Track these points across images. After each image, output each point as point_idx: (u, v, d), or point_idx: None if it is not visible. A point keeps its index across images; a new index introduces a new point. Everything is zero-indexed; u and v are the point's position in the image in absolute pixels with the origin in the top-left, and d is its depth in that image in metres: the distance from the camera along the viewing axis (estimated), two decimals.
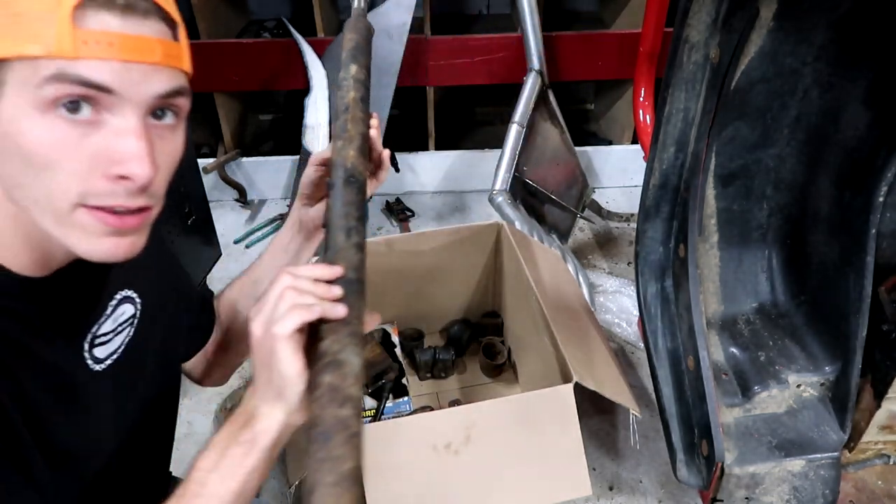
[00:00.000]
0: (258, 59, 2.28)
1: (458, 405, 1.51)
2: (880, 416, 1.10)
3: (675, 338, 1.20)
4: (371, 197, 0.93)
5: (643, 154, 1.95)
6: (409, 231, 2.37)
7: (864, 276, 0.99)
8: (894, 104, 0.96)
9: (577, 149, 2.17)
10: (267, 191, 2.53)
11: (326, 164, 0.82)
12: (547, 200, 2.03)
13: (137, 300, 0.76)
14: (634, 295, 1.48)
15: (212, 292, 0.98)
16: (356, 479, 0.47)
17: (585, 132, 2.77)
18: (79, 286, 0.67)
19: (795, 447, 1.08)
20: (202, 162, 2.26)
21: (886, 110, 0.98)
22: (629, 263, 2.19)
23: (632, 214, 2.36)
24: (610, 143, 2.66)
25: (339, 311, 0.56)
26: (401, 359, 1.65)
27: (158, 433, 0.88)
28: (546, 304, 1.33)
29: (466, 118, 2.88)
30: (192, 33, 1.85)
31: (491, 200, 1.79)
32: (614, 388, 1.19)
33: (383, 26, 2.07)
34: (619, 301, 1.96)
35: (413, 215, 2.46)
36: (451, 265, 1.66)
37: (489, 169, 1.85)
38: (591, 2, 2.81)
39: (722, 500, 1.10)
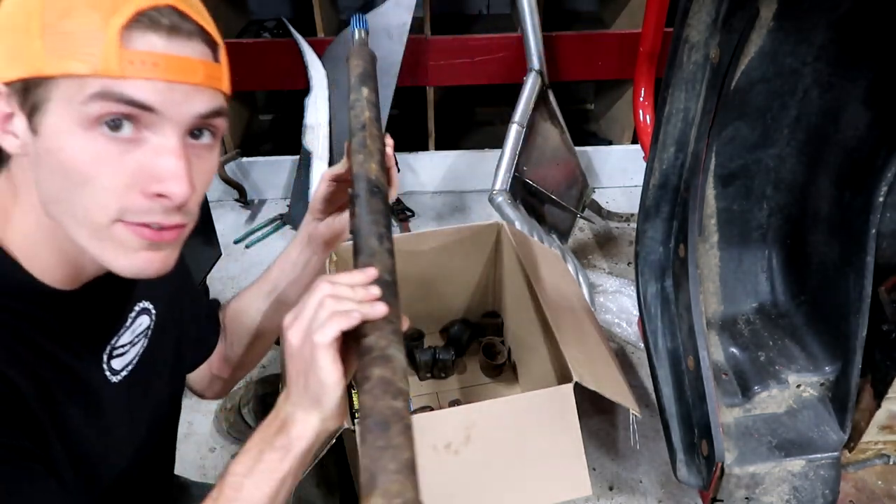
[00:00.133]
0: (258, 59, 2.28)
1: (458, 405, 1.51)
2: (880, 416, 1.10)
3: (675, 338, 1.20)
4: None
5: (643, 154, 1.95)
6: (409, 231, 2.37)
7: (864, 276, 0.99)
8: (894, 104, 0.96)
9: (577, 149, 2.16)
10: (267, 191, 2.53)
11: (338, 180, 0.83)
12: (547, 200, 2.03)
13: (153, 311, 0.77)
14: (634, 295, 1.48)
15: (218, 303, 0.98)
16: (414, 469, 0.48)
17: (585, 132, 2.77)
18: (104, 299, 0.68)
19: (795, 447, 1.08)
20: None
21: (886, 110, 0.98)
22: (629, 263, 2.19)
23: (632, 214, 2.36)
24: (610, 143, 2.66)
25: (381, 309, 0.57)
26: None
27: (165, 439, 0.88)
28: (546, 304, 1.33)
29: (466, 118, 2.88)
30: None
31: (491, 200, 1.79)
32: (614, 388, 1.19)
33: (383, 26, 2.07)
34: (619, 301, 1.96)
35: (413, 215, 2.46)
36: (451, 265, 1.66)
37: (489, 169, 1.84)
38: (591, 2, 2.81)
39: (722, 500, 1.10)
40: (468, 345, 1.76)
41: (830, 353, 1.11)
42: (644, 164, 1.25)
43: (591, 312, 1.47)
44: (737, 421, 1.13)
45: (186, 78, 0.54)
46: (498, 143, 1.87)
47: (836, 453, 1.08)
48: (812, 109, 1.09)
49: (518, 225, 1.71)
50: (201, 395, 0.98)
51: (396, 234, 2.35)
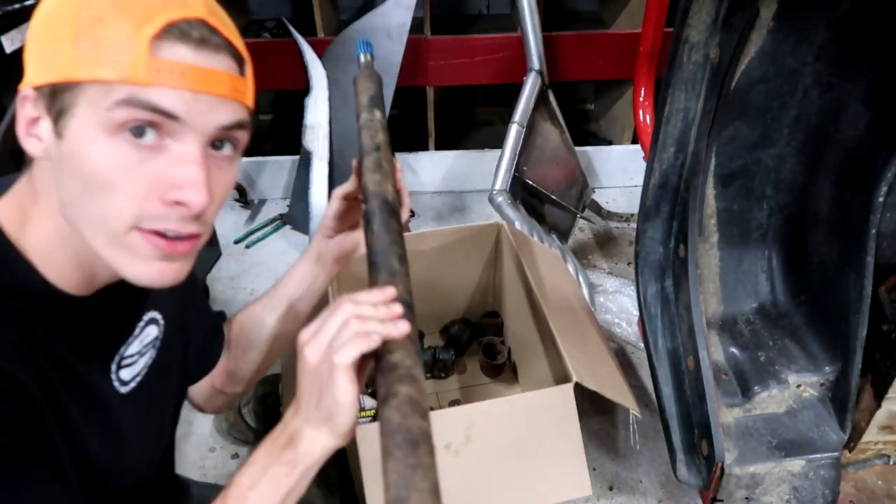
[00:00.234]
0: (258, 59, 2.26)
1: (458, 405, 1.51)
2: (880, 416, 1.10)
3: (675, 338, 1.20)
4: None
5: (643, 154, 1.96)
6: (409, 231, 2.37)
7: (864, 276, 0.99)
8: (894, 104, 0.96)
9: (577, 149, 2.16)
10: (267, 191, 2.53)
11: (349, 199, 0.84)
12: (547, 200, 2.03)
13: (161, 322, 0.77)
14: (634, 295, 1.48)
15: (224, 315, 0.98)
16: (439, 490, 0.48)
17: (585, 132, 2.77)
18: (115, 307, 0.68)
19: (795, 447, 1.08)
20: None
21: (886, 110, 0.98)
22: (629, 263, 2.19)
23: (632, 214, 2.36)
24: (610, 143, 2.66)
25: (404, 327, 0.57)
26: None
27: (169, 446, 0.88)
28: (546, 304, 1.33)
29: (466, 118, 2.88)
30: None
31: (491, 200, 1.79)
32: (614, 388, 1.19)
33: (383, 26, 2.07)
34: (619, 301, 1.96)
35: (413, 215, 2.46)
36: (451, 265, 1.66)
37: (489, 169, 1.84)
38: (591, 2, 2.81)
39: (722, 500, 1.10)
40: (468, 345, 1.76)
41: (830, 353, 1.11)
42: (644, 164, 1.25)
43: (591, 312, 1.47)
44: (737, 421, 1.13)
45: (212, 89, 0.55)
46: (498, 143, 1.87)
47: (836, 453, 1.08)
48: (812, 109, 1.09)
49: (518, 225, 1.71)
50: (201, 409, 0.98)
51: None
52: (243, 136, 0.61)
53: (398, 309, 0.58)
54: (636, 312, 1.85)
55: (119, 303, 0.68)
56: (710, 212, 1.19)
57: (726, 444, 1.09)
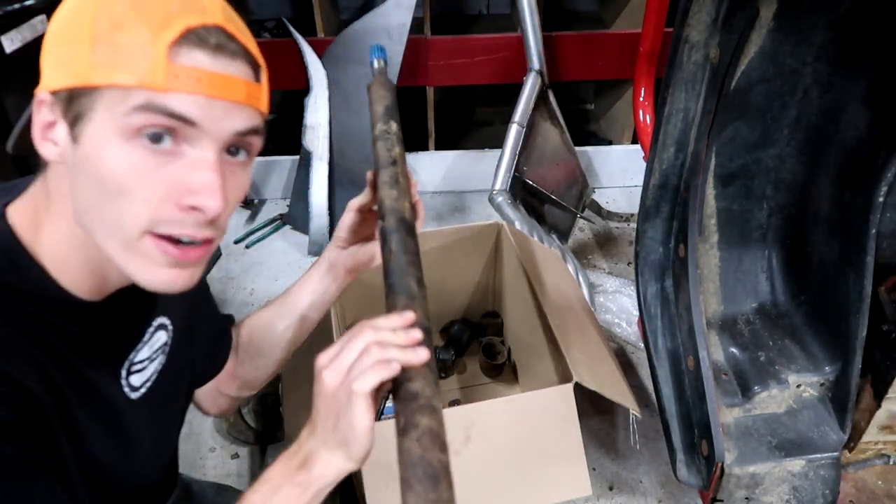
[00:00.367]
0: None
1: (458, 405, 1.51)
2: (880, 416, 1.10)
3: (675, 338, 1.20)
4: None
5: (643, 154, 1.96)
6: None
7: (864, 276, 0.99)
8: (894, 104, 0.96)
9: (577, 149, 2.16)
10: (267, 191, 2.53)
11: (363, 211, 0.86)
12: (547, 200, 2.03)
13: (170, 327, 0.77)
14: (634, 295, 1.48)
15: (232, 319, 0.98)
16: None
17: (585, 132, 2.77)
18: (125, 313, 0.68)
19: (795, 447, 1.08)
20: None
21: (886, 110, 0.98)
22: (629, 263, 2.19)
23: (632, 214, 2.36)
24: (610, 143, 2.66)
25: (424, 354, 0.57)
26: None
27: (174, 447, 0.88)
28: (546, 304, 1.33)
29: (466, 118, 2.88)
30: None
31: (491, 200, 1.79)
32: (614, 388, 1.19)
33: (383, 26, 2.07)
34: (619, 301, 1.96)
35: None
36: (452, 265, 1.66)
37: (489, 169, 1.85)
38: (591, 2, 2.81)
39: (722, 500, 1.10)
40: (468, 345, 1.76)
41: (830, 353, 1.11)
42: (644, 164, 1.25)
43: (592, 312, 1.47)
44: (737, 421, 1.13)
45: (228, 95, 0.55)
46: (498, 143, 1.87)
47: (836, 453, 1.08)
48: (812, 109, 1.09)
49: (518, 225, 1.71)
50: (205, 412, 0.98)
51: None
52: (257, 142, 0.61)
53: (417, 335, 0.58)
54: (636, 312, 1.85)
55: (129, 308, 0.68)
56: (710, 212, 1.19)
57: (726, 444, 1.09)
